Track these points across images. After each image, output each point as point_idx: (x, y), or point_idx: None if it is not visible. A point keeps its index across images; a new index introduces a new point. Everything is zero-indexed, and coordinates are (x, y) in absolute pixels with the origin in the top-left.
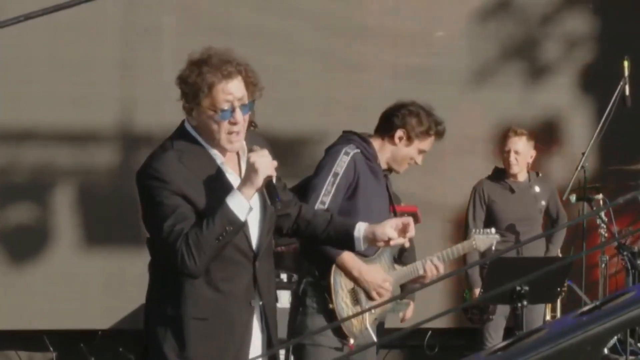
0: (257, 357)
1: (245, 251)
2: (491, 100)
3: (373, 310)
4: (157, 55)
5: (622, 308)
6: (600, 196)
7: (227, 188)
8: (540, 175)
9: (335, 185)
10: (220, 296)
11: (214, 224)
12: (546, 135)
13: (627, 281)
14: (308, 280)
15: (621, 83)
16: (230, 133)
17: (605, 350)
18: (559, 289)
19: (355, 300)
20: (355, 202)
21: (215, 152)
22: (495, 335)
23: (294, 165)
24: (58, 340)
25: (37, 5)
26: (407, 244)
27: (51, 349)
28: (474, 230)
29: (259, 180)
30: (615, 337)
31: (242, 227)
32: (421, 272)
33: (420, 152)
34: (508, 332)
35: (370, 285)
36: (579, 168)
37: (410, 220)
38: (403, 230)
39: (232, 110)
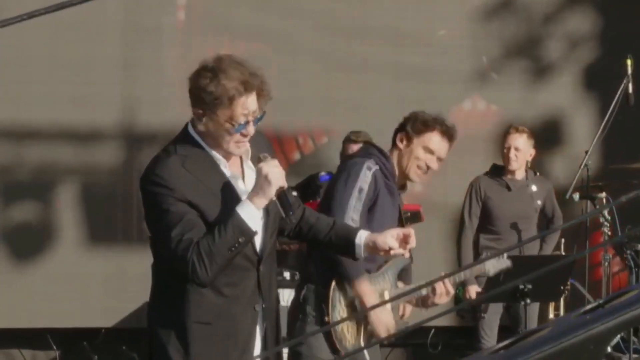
0: (258, 356)
1: (250, 256)
2: (494, 100)
3: (370, 327)
4: (158, 54)
5: (625, 307)
6: (603, 195)
7: (231, 192)
8: (538, 174)
9: (362, 202)
10: (224, 300)
11: (226, 235)
12: (549, 134)
13: (630, 279)
14: (309, 287)
15: (624, 81)
16: (238, 142)
17: (609, 349)
18: (562, 287)
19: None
20: (370, 220)
21: (218, 157)
22: (490, 334)
23: (296, 165)
24: (61, 339)
25: (37, 5)
26: (406, 255)
27: (54, 347)
28: (483, 254)
29: (272, 192)
30: (619, 335)
31: (253, 237)
32: (424, 292)
33: (427, 150)
34: (502, 330)
35: (380, 326)
36: (582, 166)
37: (411, 231)
38: (404, 241)
39: (246, 123)
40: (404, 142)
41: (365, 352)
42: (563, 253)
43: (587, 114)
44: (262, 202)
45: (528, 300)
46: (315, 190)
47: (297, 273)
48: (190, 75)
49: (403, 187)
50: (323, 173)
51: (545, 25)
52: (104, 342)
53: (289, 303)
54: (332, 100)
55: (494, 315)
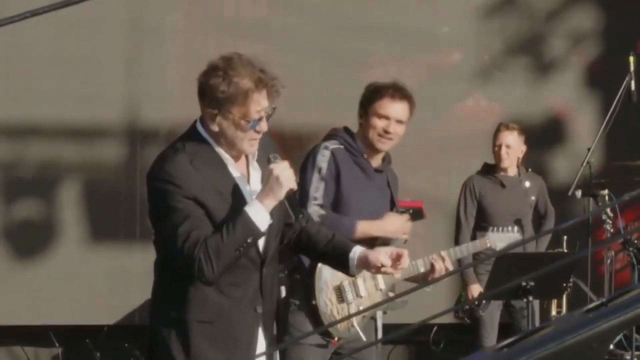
0: (259, 355)
1: (253, 257)
2: (497, 97)
3: (361, 307)
4: (162, 52)
5: (629, 305)
6: (605, 192)
7: (237, 193)
8: (529, 170)
9: (324, 181)
10: (226, 300)
11: (235, 234)
12: (551, 131)
13: (633, 277)
14: (294, 277)
15: (627, 79)
16: (251, 139)
17: (611, 346)
18: (564, 284)
19: (341, 298)
20: (340, 196)
21: (226, 156)
22: (491, 331)
23: (299, 163)
24: (64, 336)
25: (41, 2)
26: (397, 276)
27: (57, 344)
28: (490, 229)
29: (282, 193)
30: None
31: (261, 237)
32: (422, 269)
33: (381, 116)
34: (501, 327)
35: (395, 234)
36: (584, 164)
37: (405, 252)
38: (397, 260)
39: (259, 119)
40: (362, 116)
41: (359, 330)
42: (565, 250)
43: (589, 111)
44: (272, 203)
45: (530, 298)
46: None
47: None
48: (199, 76)
49: (383, 160)
50: None
51: (547, 23)
52: (106, 340)
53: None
54: (335, 98)
55: (494, 312)
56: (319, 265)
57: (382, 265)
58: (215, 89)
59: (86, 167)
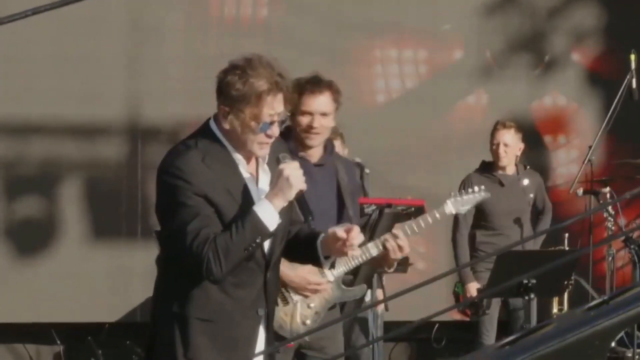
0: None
1: (259, 259)
2: (498, 94)
3: (312, 305)
4: (162, 50)
5: (630, 303)
6: (607, 189)
7: (247, 193)
8: (527, 167)
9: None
10: (228, 301)
11: (244, 234)
12: (553, 129)
13: (634, 274)
14: None
15: (628, 76)
16: (261, 143)
17: (612, 344)
18: (566, 282)
19: (285, 300)
20: None
21: (238, 156)
22: (491, 329)
23: None
24: (65, 334)
25: (41, 1)
26: (353, 253)
27: (58, 342)
28: (452, 194)
29: (292, 194)
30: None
31: (270, 237)
32: (375, 252)
33: (304, 113)
34: (500, 325)
35: (298, 286)
36: (585, 161)
37: (355, 227)
38: (349, 233)
39: (271, 123)
40: (291, 116)
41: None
42: (567, 248)
43: (590, 109)
44: (281, 203)
45: (532, 295)
46: None
47: None
48: (219, 73)
49: (326, 151)
50: None
51: (549, 20)
52: (107, 337)
53: None
54: None
55: (494, 311)
56: None
57: (339, 239)
58: (231, 87)
59: (87, 166)
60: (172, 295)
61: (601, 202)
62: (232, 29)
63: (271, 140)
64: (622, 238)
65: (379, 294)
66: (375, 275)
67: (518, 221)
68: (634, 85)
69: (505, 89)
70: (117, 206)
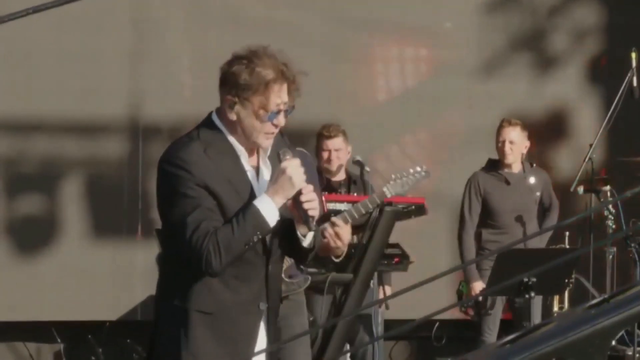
0: (261, 351)
1: (260, 254)
2: (499, 92)
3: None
4: (165, 46)
5: (631, 302)
6: (607, 188)
7: (248, 187)
8: (534, 165)
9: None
10: (229, 294)
11: (245, 228)
12: (554, 127)
13: (635, 273)
14: None
15: (629, 74)
16: (267, 132)
17: (613, 342)
18: (566, 280)
19: None
20: None
21: (240, 148)
22: (493, 328)
23: None
24: (66, 332)
25: None
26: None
27: (59, 340)
28: (392, 176)
29: (292, 193)
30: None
31: (269, 233)
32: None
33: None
34: (503, 324)
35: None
36: (586, 159)
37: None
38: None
39: (278, 112)
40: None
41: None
42: (567, 246)
43: (591, 107)
44: (281, 200)
45: (532, 294)
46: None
47: None
48: (222, 65)
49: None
50: None
51: (550, 18)
52: (108, 335)
53: None
54: (339, 93)
55: (496, 309)
56: None
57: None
58: (238, 76)
59: (89, 162)
60: (173, 290)
61: (602, 200)
62: (234, 25)
63: (277, 130)
64: (623, 236)
65: (380, 293)
66: (375, 274)
67: (524, 219)
68: (635, 83)
69: (506, 86)
70: (118, 204)
